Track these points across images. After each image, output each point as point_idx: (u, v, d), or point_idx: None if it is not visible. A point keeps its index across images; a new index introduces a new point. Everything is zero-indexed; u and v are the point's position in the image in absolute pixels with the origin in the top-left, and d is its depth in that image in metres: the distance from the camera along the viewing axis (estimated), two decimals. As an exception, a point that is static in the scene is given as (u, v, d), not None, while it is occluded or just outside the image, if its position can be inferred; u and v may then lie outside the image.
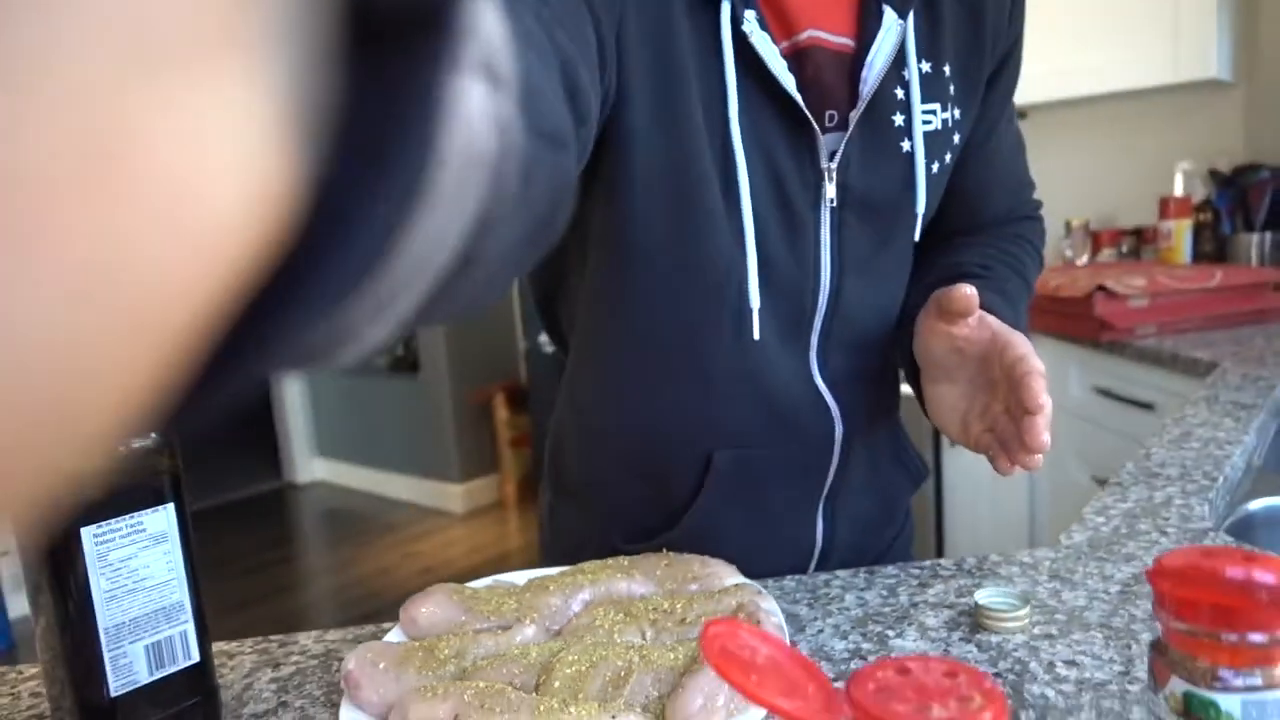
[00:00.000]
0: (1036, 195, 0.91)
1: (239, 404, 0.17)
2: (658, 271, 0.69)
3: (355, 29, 0.14)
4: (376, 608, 3.16)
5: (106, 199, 0.11)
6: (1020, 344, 0.63)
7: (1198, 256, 2.40)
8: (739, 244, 0.67)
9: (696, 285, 0.69)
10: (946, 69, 0.72)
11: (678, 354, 0.73)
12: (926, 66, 0.70)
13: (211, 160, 0.12)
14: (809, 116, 0.66)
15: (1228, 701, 0.39)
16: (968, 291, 0.64)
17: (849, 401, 0.77)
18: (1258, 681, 0.38)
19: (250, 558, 3.78)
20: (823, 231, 0.70)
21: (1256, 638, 0.38)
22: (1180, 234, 2.34)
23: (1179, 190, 2.50)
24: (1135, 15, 2.35)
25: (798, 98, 0.65)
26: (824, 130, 0.67)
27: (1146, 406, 1.77)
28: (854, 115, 0.67)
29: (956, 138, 0.74)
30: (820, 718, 0.31)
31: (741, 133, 0.65)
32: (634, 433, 0.77)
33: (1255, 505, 0.98)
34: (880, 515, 0.86)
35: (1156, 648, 0.42)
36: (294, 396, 4.86)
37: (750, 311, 0.69)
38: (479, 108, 0.18)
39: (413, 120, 0.15)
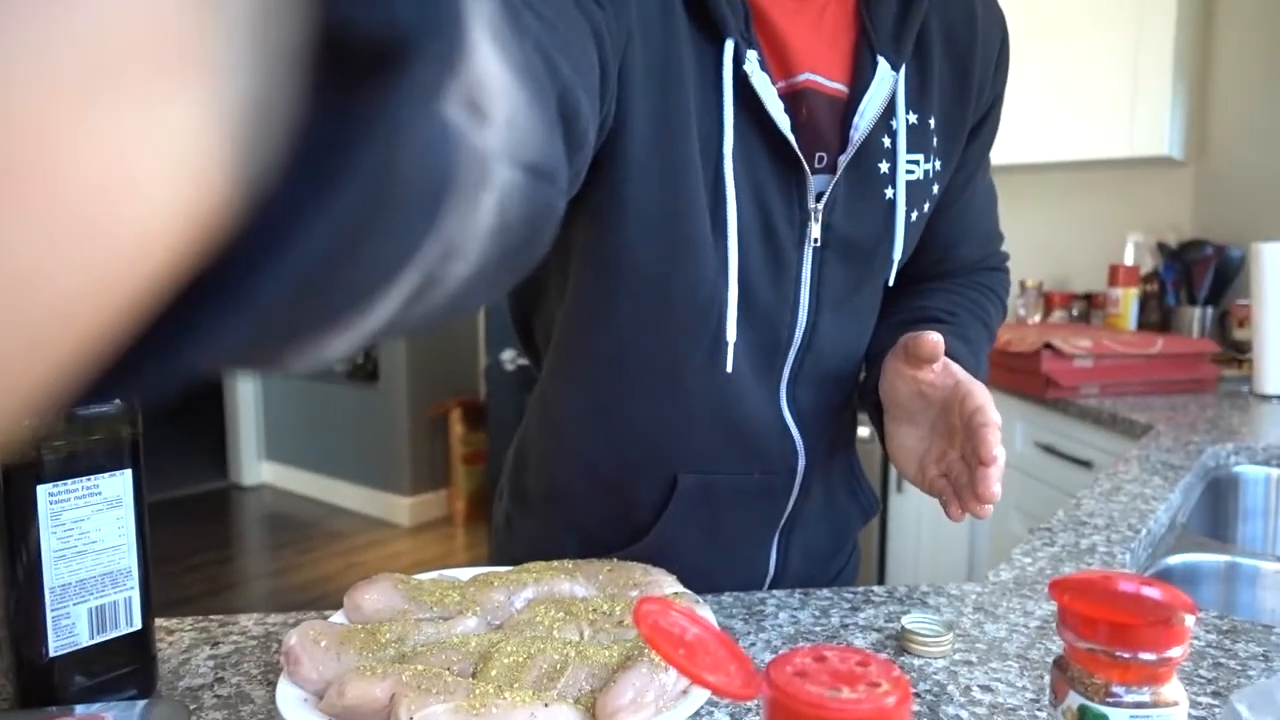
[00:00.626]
0: (1004, 248, 0.95)
1: (166, 394, 0.17)
2: (640, 297, 0.70)
3: (328, 55, 0.15)
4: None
5: (20, 213, 0.11)
6: (980, 395, 0.65)
7: (1142, 324, 2.50)
8: (723, 277, 0.69)
9: (677, 313, 0.71)
10: (931, 121, 0.74)
11: (653, 377, 0.74)
12: (913, 117, 0.73)
13: (137, 178, 0.12)
14: (800, 158, 0.68)
15: (1117, 716, 0.42)
16: (934, 338, 0.66)
17: (813, 435, 0.79)
18: (1146, 699, 0.42)
19: (190, 556, 3.71)
20: (804, 269, 0.72)
21: (1147, 656, 0.41)
22: (1127, 302, 2.43)
23: (1129, 260, 2.60)
24: (1096, 90, 2.46)
25: (792, 140, 0.67)
26: (813, 171, 0.70)
27: (1084, 464, 1.83)
28: (843, 160, 0.69)
29: (935, 188, 0.76)
30: (741, 693, 0.33)
31: (734, 169, 0.67)
32: (603, 450, 0.78)
33: (1174, 560, 1.03)
34: (831, 546, 0.88)
35: (1058, 665, 0.45)
36: (245, 398, 4.79)
37: (726, 344, 0.71)
38: (454, 139, 0.19)
39: (367, 145, 0.16)
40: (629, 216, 0.66)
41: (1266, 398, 1.90)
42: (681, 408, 0.74)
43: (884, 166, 0.72)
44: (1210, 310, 2.42)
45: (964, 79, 0.75)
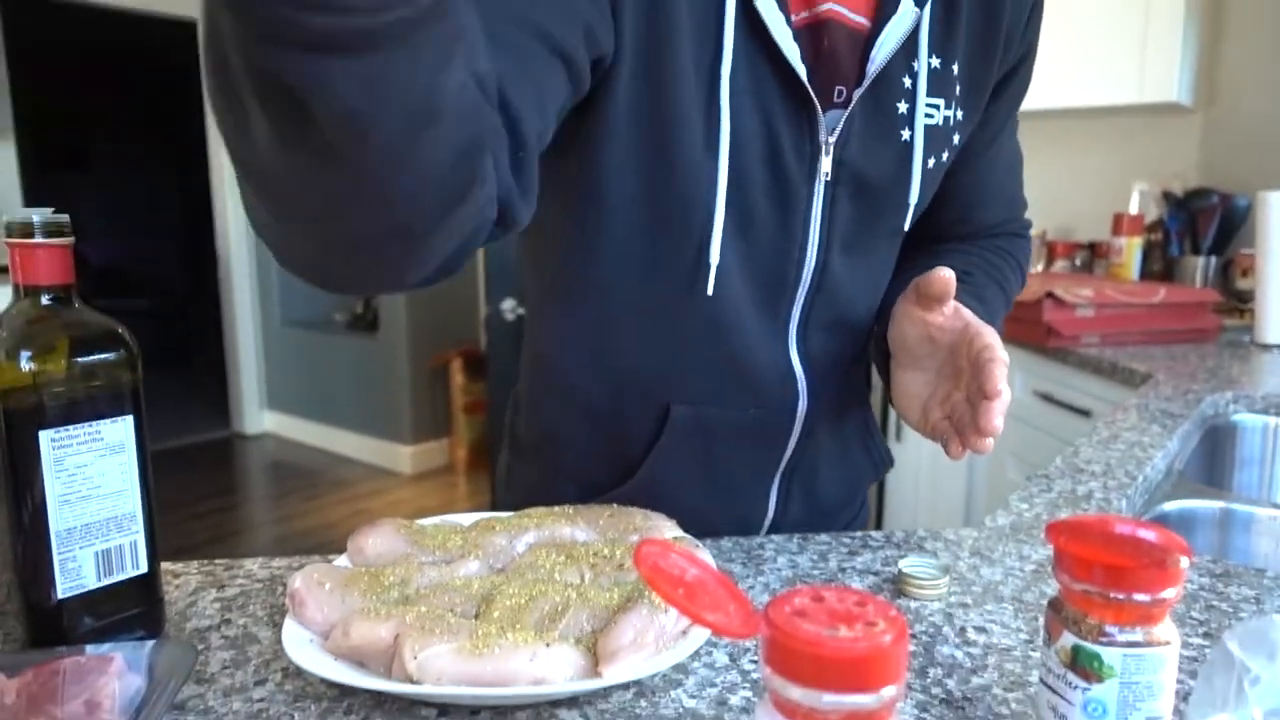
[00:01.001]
0: (1028, 215, 0.93)
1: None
2: (627, 218, 0.70)
3: None
4: (318, 562, 3.16)
5: None
6: (990, 334, 0.66)
7: (1145, 274, 2.49)
8: (712, 197, 0.68)
9: (665, 235, 0.70)
10: (955, 68, 0.73)
11: (642, 303, 0.73)
12: (936, 62, 0.71)
13: None
14: (809, 91, 0.66)
15: (1110, 655, 0.42)
16: (945, 275, 0.66)
17: (820, 380, 0.78)
18: (1139, 638, 0.42)
19: (194, 504, 3.75)
20: (815, 205, 0.71)
21: (1141, 597, 0.41)
22: (1131, 251, 2.42)
23: (1134, 209, 2.58)
24: (1105, 35, 2.41)
25: (801, 72, 0.66)
26: (830, 105, 0.69)
27: (1084, 414, 1.83)
28: (858, 93, 0.68)
29: (956, 137, 0.75)
30: (739, 631, 0.33)
31: (736, 94, 0.66)
32: (594, 381, 0.77)
33: (1170, 506, 1.04)
34: (839, 500, 0.88)
35: (1053, 605, 0.46)
36: (246, 347, 4.80)
37: (709, 267, 0.70)
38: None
39: None
40: (613, 135, 0.66)
41: (1267, 347, 1.90)
42: (670, 334, 0.74)
43: (902, 107, 0.71)
44: (1214, 260, 2.40)
45: (993, 27, 0.74)
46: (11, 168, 3.65)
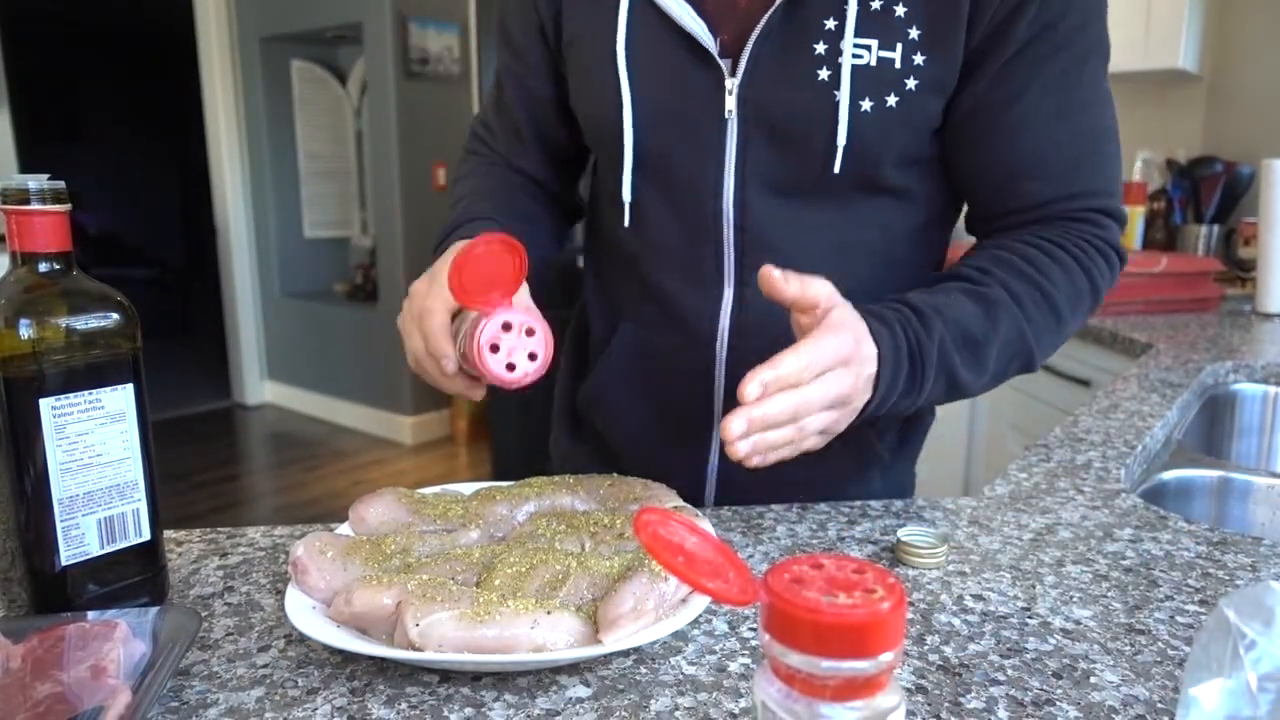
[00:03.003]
0: (1109, 203, 0.80)
1: None
2: (598, 163, 0.87)
3: None
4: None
5: None
6: (795, 352, 0.59)
7: (1148, 243, 2.48)
8: (619, 137, 0.77)
9: (604, 172, 0.83)
10: (900, 9, 0.70)
11: (593, 230, 0.89)
12: (878, 4, 0.69)
13: None
14: (708, 35, 0.72)
15: None
16: (770, 273, 0.60)
17: (759, 334, 0.76)
18: None
19: (196, 474, 3.77)
20: (727, 142, 0.74)
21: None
22: (1133, 220, 2.41)
23: (1137, 177, 2.56)
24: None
25: (696, 32, 0.72)
26: (740, 48, 0.73)
27: (1083, 384, 1.83)
28: (753, 36, 0.71)
29: (911, 82, 0.71)
30: (739, 599, 0.34)
31: (634, 62, 0.75)
32: (589, 295, 0.93)
33: (1169, 475, 1.04)
34: (797, 476, 0.75)
35: None
36: (246, 318, 4.79)
37: (623, 203, 0.79)
38: None
39: None
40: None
41: (1268, 316, 1.90)
42: (610, 260, 0.87)
43: (820, 48, 0.71)
44: (1216, 228, 2.39)
45: None
46: (7, 139, 3.62)
